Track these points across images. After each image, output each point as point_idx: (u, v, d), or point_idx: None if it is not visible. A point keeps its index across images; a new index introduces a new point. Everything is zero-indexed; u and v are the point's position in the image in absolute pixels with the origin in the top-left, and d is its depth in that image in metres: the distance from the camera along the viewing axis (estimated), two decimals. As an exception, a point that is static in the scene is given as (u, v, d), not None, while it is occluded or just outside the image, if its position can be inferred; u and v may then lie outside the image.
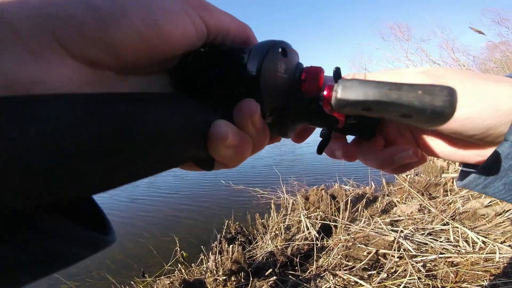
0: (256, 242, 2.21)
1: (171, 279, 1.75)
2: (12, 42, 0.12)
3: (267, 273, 1.66)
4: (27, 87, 0.12)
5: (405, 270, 1.46)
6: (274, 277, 1.61)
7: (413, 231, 1.85)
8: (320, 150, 0.27)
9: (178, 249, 2.06)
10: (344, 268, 1.65)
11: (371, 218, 2.15)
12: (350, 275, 1.54)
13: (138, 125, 0.13)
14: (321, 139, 0.28)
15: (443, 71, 0.24)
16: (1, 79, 0.11)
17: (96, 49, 0.14)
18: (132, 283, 1.87)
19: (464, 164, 0.28)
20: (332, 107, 0.17)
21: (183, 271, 1.86)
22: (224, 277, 1.62)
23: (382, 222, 2.03)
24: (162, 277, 1.87)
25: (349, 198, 2.36)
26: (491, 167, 0.22)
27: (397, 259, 1.58)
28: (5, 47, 0.12)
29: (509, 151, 0.21)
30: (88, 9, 0.13)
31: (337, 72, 0.23)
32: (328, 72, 0.24)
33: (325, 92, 0.20)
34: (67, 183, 0.11)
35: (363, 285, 1.43)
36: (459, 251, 1.51)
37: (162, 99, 0.16)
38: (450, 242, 1.63)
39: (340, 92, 0.16)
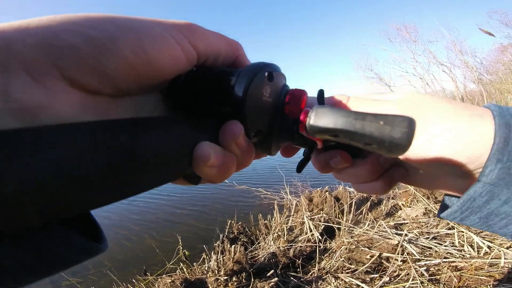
0: (259, 243, 2.20)
1: (172, 278, 1.75)
2: (20, 71, 0.13)
3: (268, 274, 1.66)
4: (34, 112, 0.13)
5: (408, 274, 1.44)
6: (276, 279, 1.60)
7: (417, 235, 1.83)
8: (299, 169, 0.29)
9: (181, 248, 2.06)
10: (346, 271, 1.63)
11: (375, 221, 2.13)
12: (352, 278, 1.53)
13: (135, 153, 0.15)
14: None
15: (416, 101, 0.24)
16: (12, 105, 0.13)
17: (92, 78, 0.15)
18: (134, 281, 1.88)
19: (446, 194, 0.29)
20: (307, 131, 0.19)
21: (184, 270, 1.87)
22: (226, 277, 1.62)
23: (386, 225, 2.00)
24: (164, 275, 1.87)
25: (354, 201, 2.34)
26: (466, 203, 0.23)
27: (401, 263, 1.56)
28: (14, 75, 0.13)
29: (481, 190, 0.22)
30: (84, 39, 0.15)
31: (321, 94, 0.25)
32: (315, 92, 0.26)
33: (301, 117, 0.22)
34: (78, 203, 0.13)
35: (365, 288, 1.42)
36: (463, 255, 1.49)
37: (154, 125, 0.18)
38: (455, 246, 1.60)
39: (312, 119, 0.18)
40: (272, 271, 1.67)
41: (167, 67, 0.18)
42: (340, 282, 1.53)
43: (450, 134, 0.22)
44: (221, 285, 1.58)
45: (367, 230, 2.01)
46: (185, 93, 0.21)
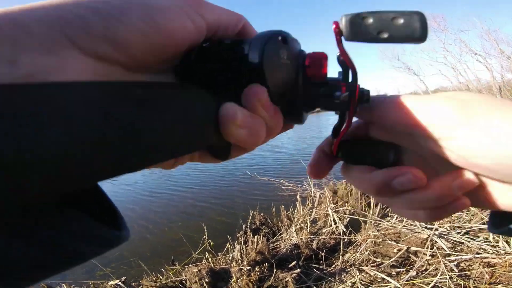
0: (281, 234, 2.21)
1: (199, 267, 1.80)
2: (28, 42, 0.13)
3: (290, 265, 1.66)
4: (44, 77, 0.13)
5: (436, 269, 1.39)
6: (298, 270, 1.60)
7: (448, 229, 1.75)
8: (335, 132, 0.26)
9: (206, 237, 2.11)
10: (372, 264, 1.60)
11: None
12: (378, 271, 1.49)
13: (155, 108, 0.14)
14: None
15: (469, 96, 0.21)
16: (21, 71, 0.12)
17: (102, 44, 0.15)
18: (163, 270, 1.95)
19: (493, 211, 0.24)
20: (342, 33, 0.21)
21: (210, 259, 1.91)
22: (248, 267, 1.64)
23: (415, 219, 1.93)
24: (190, 265, 1.92)
25: (381, 194, 2.27)
26: None
27: (429, 258, 1.51)
28: (22, 46, 0.13)
29: None
30: (91, 10, 0.15)
31: (341, 59, 0.23)
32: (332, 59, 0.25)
33: (333, 26, 0.21)
34: (97, 164, 0.12)
35: (390, 282, 1.38)
36: (497, 251, 1.40)
37: (173, 85, 0.18)
38: (489, 242, 1.51)
39: (344, 16, 0.20)
40: (294, 262, 1.67)
41: (178, 36, 0.18)
42: (365, 275, 1.51)
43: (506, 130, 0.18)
44: (244, 275, 1.60)
45: (395, 223, 1.95)
46: (198, 67, 0.20)
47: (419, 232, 1.76)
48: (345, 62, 0.22)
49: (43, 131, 0.10)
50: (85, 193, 0.16)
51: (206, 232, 2.13)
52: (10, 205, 0.10)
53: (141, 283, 1.85)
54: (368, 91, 0.24)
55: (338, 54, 0.22)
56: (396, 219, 2.02)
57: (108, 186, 4.69)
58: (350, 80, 0.23)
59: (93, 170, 0.12)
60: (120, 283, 1.83)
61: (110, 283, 1.86)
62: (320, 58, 0.23)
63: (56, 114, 0.10)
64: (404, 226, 1.88)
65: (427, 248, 1.57)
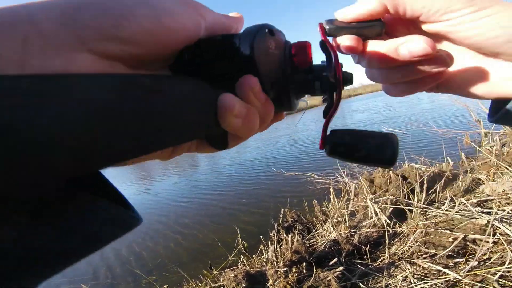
0: (316, 230, 2.10)
1: (235, 272, 1.76)
2: (40, 41, 0.14)
3: (331, 263, 1.54)
4: None
5: (502, 257, 1.20)
6: (341, 267, 1.47)
7: (510, 212, 1.52)
8: (325, 113, 0.27)
9: (240, 239, 2.08)
10: (424, 256, 1.44)
11: (454, 199, 1.84)
12: (432, 263, 1.33)
13: (159, 97, 0.16)
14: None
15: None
16: (29, 71, 0.13)
17: (111, 44, 0.16)
18: (201, 276, 1.95)
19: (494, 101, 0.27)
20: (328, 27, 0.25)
21: (245, 262, 1.86)
22: (285, 268, 1.55)
23: (469, 203, 1.71)
24: (227, 269, 1.89)
25: (424, 178, 2.06)
26: None
27: (491, 245, 1.31)
28: (33, 45, 0.13)
29: None
30: (104, 11, 0.16)
31: (323, 44, 0.25)
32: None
33: (320, 32, 0.25)
34: (108, 147, 0.13)
35: (448, 274, 1.21)
36: None
37: (176, 77, 0.19)
38: None
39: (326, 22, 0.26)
40: (335, 259, 1.55)
41: (181, 34, 0.19)
42: (418, 268, 1.35)
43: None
44: (281, 277, 1.50)
45: (446, 210, 1.75)
46: (193, 64, 0.22)
47: (475, 218, 1.55)
48: (327, 47, 0.24)
49: (67, 114, 0.11)
50: (93, 180, 0.16)
51: (239, 234, 2.08)
52: (43, 181, 0.11)
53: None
54: (350, 73, 0.25)
55: (320, 40, 0.25)
56: (447, 205, 1.81)
57: (143, 196, 4.93)
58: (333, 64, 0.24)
59: (111, 149, 0.13)
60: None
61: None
62: (305, 46, 0.24)
63: (79, 99, 0.12)
64: (457, 212, 1.67)
65: (488, 235, 1.37)
